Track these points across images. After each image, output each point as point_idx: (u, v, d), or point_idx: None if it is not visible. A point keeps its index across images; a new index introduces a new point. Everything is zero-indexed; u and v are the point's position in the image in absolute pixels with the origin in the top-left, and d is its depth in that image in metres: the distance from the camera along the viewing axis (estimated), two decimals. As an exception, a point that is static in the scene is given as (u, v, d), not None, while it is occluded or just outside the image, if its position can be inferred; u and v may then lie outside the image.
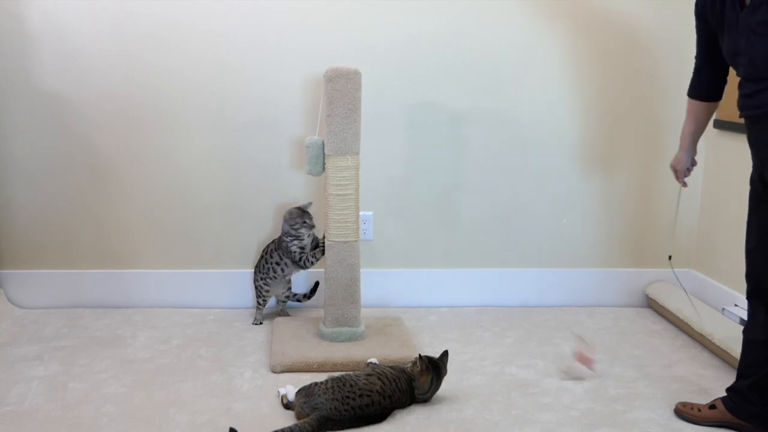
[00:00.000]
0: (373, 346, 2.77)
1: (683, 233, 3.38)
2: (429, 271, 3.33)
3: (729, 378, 2.50)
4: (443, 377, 2.44)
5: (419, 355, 2.42)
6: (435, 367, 2.42)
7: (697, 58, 2.40)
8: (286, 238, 2.99)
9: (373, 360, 2.58)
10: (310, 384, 2.31)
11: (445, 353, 2.48)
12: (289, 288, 3.15)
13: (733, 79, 2.28)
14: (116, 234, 3.19)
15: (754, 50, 2.02)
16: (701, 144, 3.27)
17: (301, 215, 2.98)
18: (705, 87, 2.40)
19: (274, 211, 3.21)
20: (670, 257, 3.06)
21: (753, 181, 2.21)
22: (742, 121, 2.19)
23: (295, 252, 2.99)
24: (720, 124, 3.15)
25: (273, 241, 3.07)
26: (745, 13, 2.04)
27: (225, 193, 3.20)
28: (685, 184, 2.63)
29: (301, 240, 2.98)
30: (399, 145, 3.22)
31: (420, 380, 2.38)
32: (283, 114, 3.14)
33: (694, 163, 2.58)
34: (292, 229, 2.97)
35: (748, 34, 2.03)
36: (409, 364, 2.44)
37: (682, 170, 2.58)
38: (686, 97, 2.46)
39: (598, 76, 3.22)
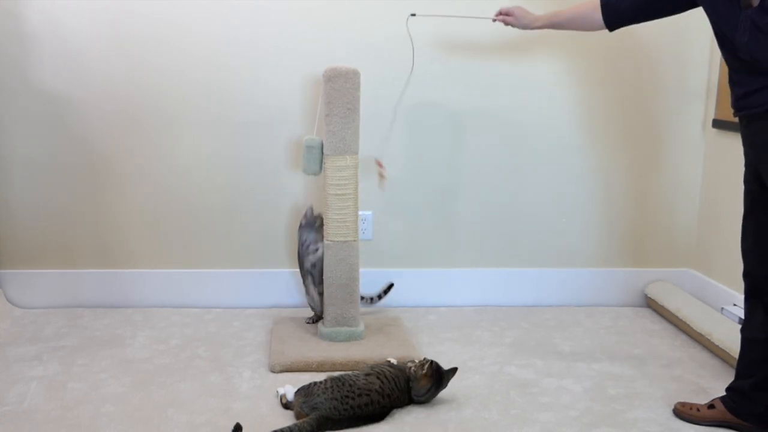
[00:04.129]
0: (372, 346, 2.77)
1: (682, 233, 3.38)
2: (428, 271, 3.33)
3: (728, 377, 2.50)
4: (441, 389, 2.42)
5: (431, 361, 2.40)
6: (438, 377, 2.40)
7: None
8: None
9: (392, 360, 2.56)
10: (309, 384, 2.31)
11: (454, 370, 2.45)
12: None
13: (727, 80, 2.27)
14: (115, 234, 3.19)
15: (760, 48, 2.01)
16: (700, 142, 3.31)
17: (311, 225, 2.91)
18: (613, 9, 2.42)
19: (273, 211, 3.21)
20: None
21: (747, 180, 2.21)
22: (737, 120, 2.19)
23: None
24: (719, 124, 3.15)
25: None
26: (751, 12, 2.02)
27: (224, 193, 3.20)
28: (494, 20, 2.73)
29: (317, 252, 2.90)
30: (398, 145, 3.22)
31: (419, 383, 2.38)
32: (282, 114, 3.14)
33: (515, 24, 2.68)
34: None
35: (752, 31, 2.02)
36: (411, 364, 2.42)
37: (517, 15, 2.65)
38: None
39: (598, 76, 3.22)
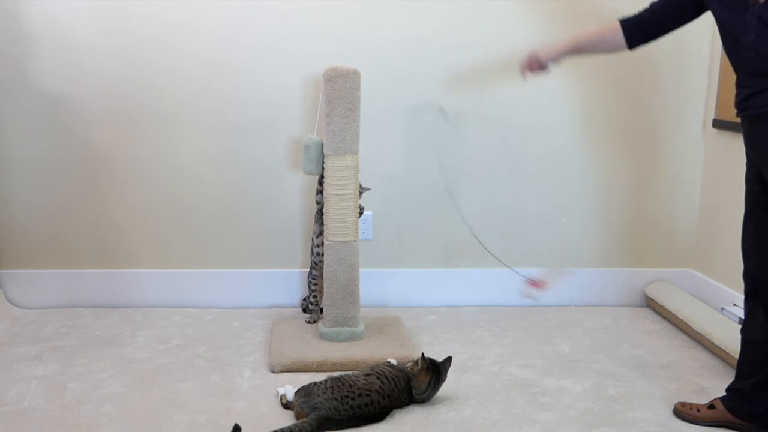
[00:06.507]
0: (372, 346, 2.77)
1: (682, 233, 3.38)
2: (428, 271, 3.33)
3: (728, 377, 2.50)
4: (442, 382, 2.43)
5: (422, 354, 2.42)
6: (435, 370, 2.41)
7: (647, 11, 2.35)
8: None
9: (392, 360, 2.57)
10: (310, 384, 2.32)
11: (449, 359, 2.47)
12: None
13: (730, 79, 2.27)
14: (115, 234, 3.19)
15: (763, 45, 2.01)
16: (700, 142, 3.31)
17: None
18: (635, 28, 2.36)
19: (273, 211, 3.21)
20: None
21: (749, 180, 2.21)
22: (739, 120, 2.19)
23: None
24: (719, 124, 3.15)
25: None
26: (759, 8, 2.02)
27: (223, 193, 3.20)
28: (525, 78, 2.62)
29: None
30: (398, 145, 3.22)
31: (419, 379, 2.38)
32: (282, 114, 3.14)
33: (546, 67, 2.56)
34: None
35: (758, 28, 2.02)
36: (410, 364, 2.44)
37: (543, 60, 2.53)
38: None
39: (597, 77, 3.22)
